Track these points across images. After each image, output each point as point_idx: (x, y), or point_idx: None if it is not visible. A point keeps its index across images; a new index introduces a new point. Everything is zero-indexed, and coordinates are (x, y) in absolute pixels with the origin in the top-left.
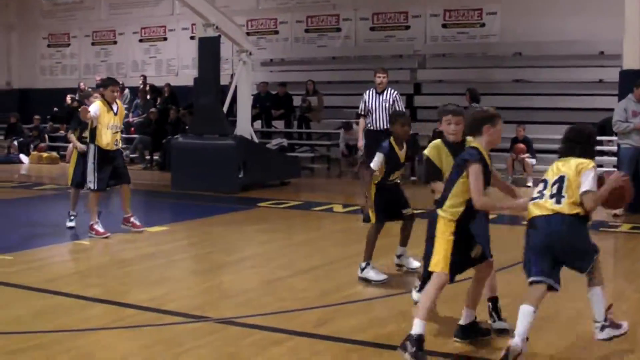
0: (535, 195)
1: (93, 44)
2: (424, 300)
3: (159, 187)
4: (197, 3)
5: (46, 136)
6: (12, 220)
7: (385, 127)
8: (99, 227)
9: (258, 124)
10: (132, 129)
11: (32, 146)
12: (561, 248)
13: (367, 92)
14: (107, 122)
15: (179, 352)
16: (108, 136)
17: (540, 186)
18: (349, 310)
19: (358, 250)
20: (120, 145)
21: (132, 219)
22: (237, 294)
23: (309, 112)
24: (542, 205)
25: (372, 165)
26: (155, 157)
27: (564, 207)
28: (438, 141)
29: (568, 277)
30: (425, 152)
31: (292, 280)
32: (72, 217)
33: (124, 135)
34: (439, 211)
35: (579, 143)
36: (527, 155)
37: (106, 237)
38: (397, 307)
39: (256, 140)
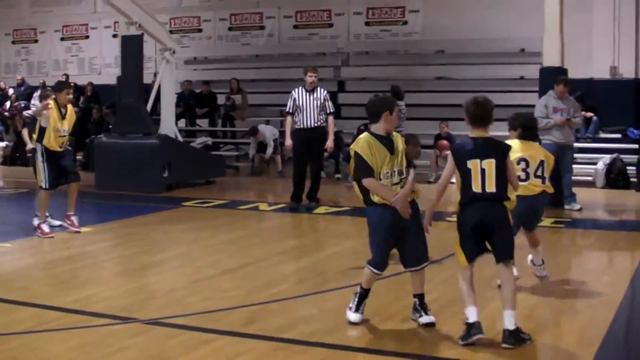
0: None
1: (14, 42)
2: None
3: (83, 188)
4: (119, 1)
5: None
6: None
7: (314, 125)
8: (45, 227)
9: (182, 122)
10: None
11: None
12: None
13: (296, 90)
14: (55, 125)
15: (107, 353)
16: (53, 138)
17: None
18: (275, 308)
19: (284, 248)
20: (66, 147)
21: (72, 218)
22: (163, 295)
23: (233, 110)
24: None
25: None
26: (79, 157)
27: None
28: (366, 135)
29: None
30: (354, 148)
31: (218, 279)
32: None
33: None
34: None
35: (534, 129)
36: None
37: (50, 237)
38: (321, 305)
39: (180, 139)
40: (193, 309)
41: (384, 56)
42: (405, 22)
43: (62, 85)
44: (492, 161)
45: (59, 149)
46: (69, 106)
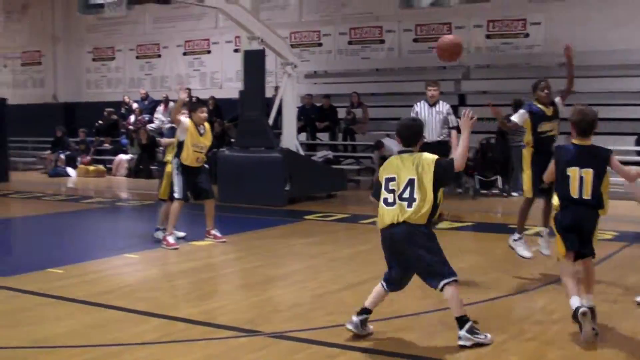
0: None
1: (137, 57)
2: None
3: None
4: (242, 16)
5: (92, 149)
6: (61, 234)
7: (437, 139)
8: (171, 239)
9: (303, 136)
10: None
11: (78, 159)
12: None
13: (418, 103)
14: (193, 141)
15: None
16: (191, 153)
17: None
18: (400, 324)
19: None
20: (202, 162)
21: (212, 232)
22: (287, 308)
23: (354, 124)
24: None
25: None
26: None
27: None
28: None
29: None
30: None
31: (341, 294)
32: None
33: None
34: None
35: None
36: None
37: (175, 249)
38: (446, 321)
39: (302, 152)
40: (317, 323)
41: (505, 69)
42: (526, 35)
43: (196, 105)
44: (591, 171)
45: (195, 164)
46: (206, 124)
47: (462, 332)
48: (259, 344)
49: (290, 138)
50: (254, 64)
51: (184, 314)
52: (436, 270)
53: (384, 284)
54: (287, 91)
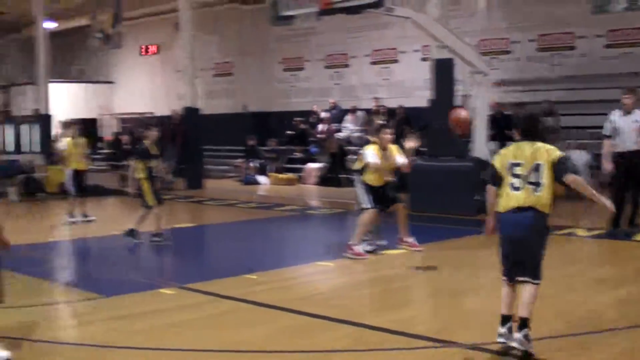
0: None
1: (326, 67)
2: None
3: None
4: (430, 25)
5: (284, 158)
6: (254, 241)
7: (634, 148)
8: (359, 248)
9: (493, 144)
10: None
11: (269, 168)
12: None
13: (614, 112)
14: (378, 166)
15: None
16: (374, 177)
17: None
18: (594, 340)
19: (602, 277)
20: (387, 181)
21: (406, 239)
22: (480, 319)
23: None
24: None
25: None
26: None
27: None
28: None
29: None
30: None
31: (535, 306)
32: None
33: None
34: None
35: None
36: None
37: (364, 259)
38: None
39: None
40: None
41: None
42: None
43: (380, 128)
44: None
45: (381, 183)
46: (391, 146)
47: (520, 335)
48: (457, 355)
49: (481, 147)
50: (443, 73)
51: (376, 322)
52: (536, 266)
53: (506, 280)
54: (477, 100)
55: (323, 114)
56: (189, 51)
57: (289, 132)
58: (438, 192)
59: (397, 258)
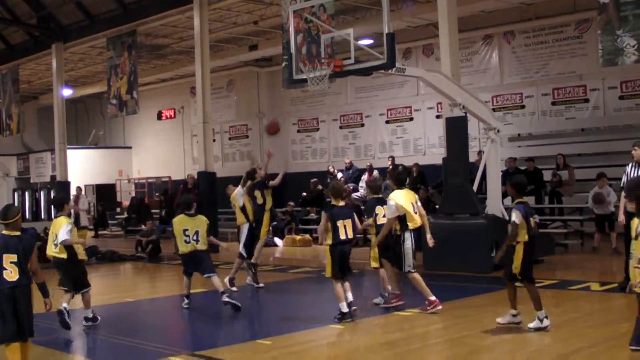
0: None
1: (341, 127)
2: None
3: None
4: (442, 84)
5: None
6: (269, 305)
7: None
8: (431, 298)
9: (508, 200)
10: None
11: (285, 230)
12: None
13: (630, 164)
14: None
15: None
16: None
17: None
18: None
19: (619, 332)
20: None
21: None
22: None
23: (560, 186)
24: None
25: None
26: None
27: None
28: None
29: None
30: None
31: None
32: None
33: None
34: None
35: None
36: None
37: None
38: None
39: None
40: None
41: None
42: None
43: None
44: None
45: None
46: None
47: None
48: None
49: (496, 203)
50: (456, 130)
51: None
52: None
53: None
54: (491, 156)
55: (339, 175)
56: (203, 115)
57: (305, 194)
58: (453, 250)
59: (414, 319)
